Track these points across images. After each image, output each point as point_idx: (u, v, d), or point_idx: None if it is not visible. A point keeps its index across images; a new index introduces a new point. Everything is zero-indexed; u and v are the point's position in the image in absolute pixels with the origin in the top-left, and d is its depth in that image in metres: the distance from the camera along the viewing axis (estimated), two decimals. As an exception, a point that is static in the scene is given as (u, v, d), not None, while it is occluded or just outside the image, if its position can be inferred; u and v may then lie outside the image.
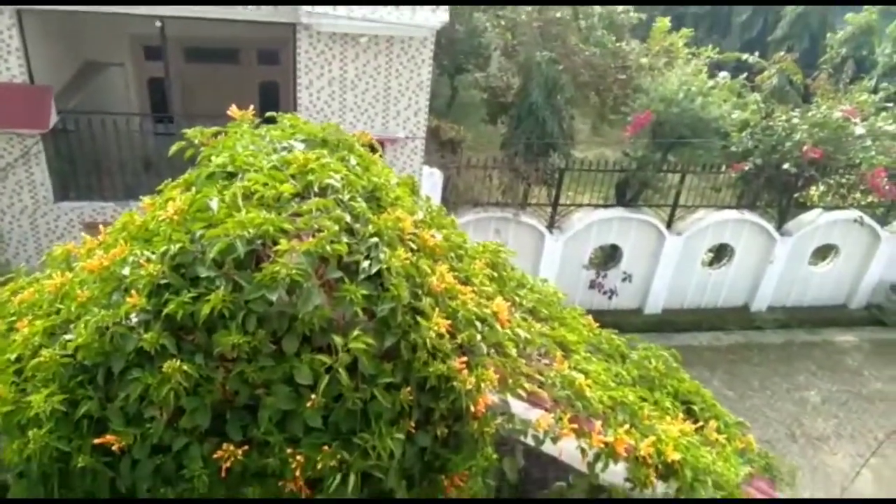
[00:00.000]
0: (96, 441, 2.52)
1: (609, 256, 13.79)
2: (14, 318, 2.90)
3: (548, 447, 3.31)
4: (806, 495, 9.50)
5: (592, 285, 13.17)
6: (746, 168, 13.07)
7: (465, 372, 2.80)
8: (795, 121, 13.11)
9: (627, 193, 13.34)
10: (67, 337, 2.61)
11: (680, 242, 13.11)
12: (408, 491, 2.94)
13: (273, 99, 12.10)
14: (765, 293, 14.23)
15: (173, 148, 3.22)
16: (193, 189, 2.85)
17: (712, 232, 13.38)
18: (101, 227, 3.39)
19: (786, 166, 12.67)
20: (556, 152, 12.40)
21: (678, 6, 27.28)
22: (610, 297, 13.38)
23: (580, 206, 12.71)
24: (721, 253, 14.23)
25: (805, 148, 12.44)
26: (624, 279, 13.38)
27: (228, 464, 2.63)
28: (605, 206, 12.87)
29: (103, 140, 9.71)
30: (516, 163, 12.06)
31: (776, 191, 13.56)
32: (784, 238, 13.63)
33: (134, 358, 2.54)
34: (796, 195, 13.74)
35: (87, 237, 3.03)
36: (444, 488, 3.00)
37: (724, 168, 13.26)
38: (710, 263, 14.35)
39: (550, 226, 12.46)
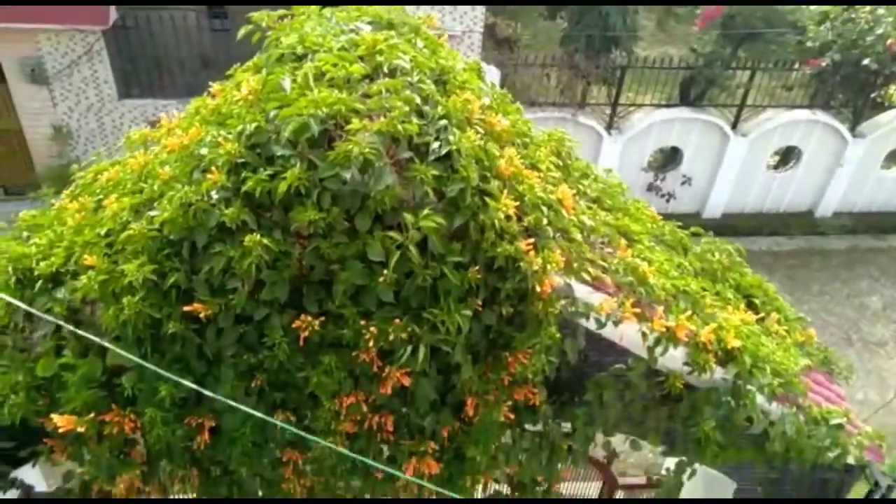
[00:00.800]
0: (185, 309, 2.70)
1: (669, 159, 13.40)
2: (101, 196, 3.06)
3: (608, 331, 3.39)
4: (860, 397, 9.51)
5: (650, 188, 12.89)
6: (823, 64, 12.28)
7: (532, 253, 2.85)
8: (881, 12, 12.15)
9: (692, 92, 12.77)
10: (153, 213, 2.75)
11: (745, 144, 12.62)
12: (473, 365, 3.08)
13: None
14: (831, 198, 13.70)
15: (241, 31, 3.23)
16: (264, 72, 2.88)
17: (780, 133, 12.80)
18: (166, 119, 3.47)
19: (866, 62, 11.86)
20: (618, 49, 11.86)
21: None
22: (668, 201, 13.11)
23: (641, 105, 12.27)
24: (788, 156, 13.67)
25: (889, 42, 11.58)
26: (683, 182, 13.04)
27: (306, 333, 2.80)
28: (668, 106, 12.39)
29: (162, 37, 9.74)
30: (575, 60, 11.59)
31: (852, 89, 12.77)
32: (857, 140, 12.96)
33: (216, 233, 2.67)
34: (874, 95, 12.93)
35: (165, 120, 3.12)
36: (507, 364, 3.13)
37: (797, 65, 12.50)
38: (776, 167, 13.83)
39: (609, 126, 12.11)
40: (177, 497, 3.62)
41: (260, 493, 3.55)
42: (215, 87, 3.35)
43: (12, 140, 10.01)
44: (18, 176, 10.31)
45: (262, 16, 3.21)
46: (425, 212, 2.60)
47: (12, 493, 3.57)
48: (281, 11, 3.27)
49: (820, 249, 13.19)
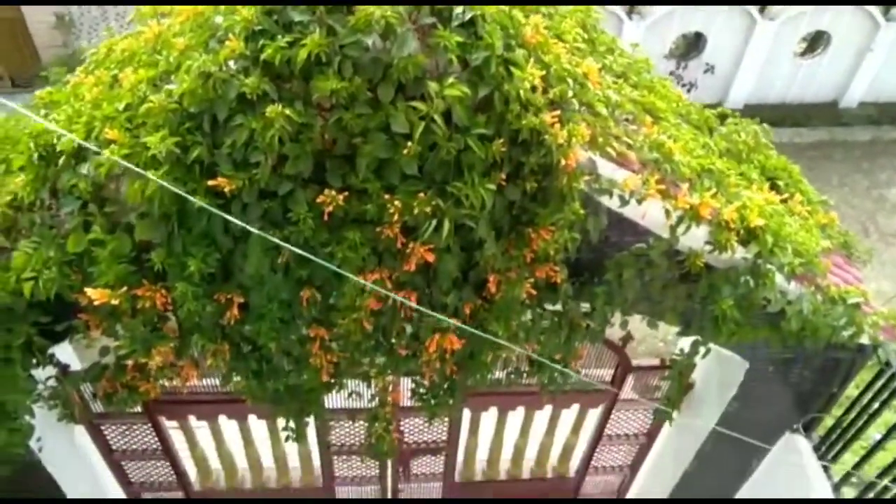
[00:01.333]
0: (210, 183, 2.69)
1: (691, 45, 12.92)
2: (115, 71, 2.99)
3: (630, 209, 3.37)
4: (873, 287, 9.57)
5: (671, 76, 12.51)
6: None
7: (557, 126, 2.79)
8: None
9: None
10: (170, 86, 2.69)
11: (772, 29, 12.10)
12: (496, 241, 3.09)
13: None
14: (858, 87, 13.26)
15: None
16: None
17: (810, 17, 12.23)
18: None
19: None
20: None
21: None
22: (689, 90, 12.75)
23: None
24: (816, 42, 13.12)
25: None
26: (706, 70, 12.64)
27: (331, 208, 2.79)
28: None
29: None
30: (598, -63, 10.98)
31: (890, -31, 12.08)
32: (890, 23, 12.38)
33: (236, 105, 2.62)
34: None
35: (176, -13, 2.99)
36: (529, 241, 3.14)
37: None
38: (802, 54, 13.30)
39: (630, 11, 11.61)
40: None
41: (286, 368, 3.67)
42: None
43: (15, 29, 9.77)
44: (24, 67, 10.13)
45: None
46: (450, 80, 2.53)
47: (49, 371, 3.72)
48: None
49: (842, 141, 12.92)
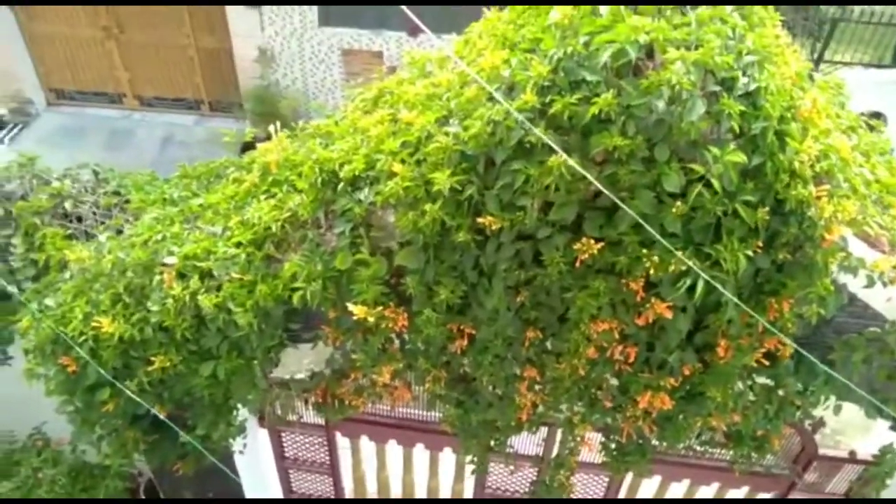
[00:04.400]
0: (479, 220, 2.89)
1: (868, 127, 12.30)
2: (392, 110, 3.29)
3: (870, 292, 3.27)
4: None
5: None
6: None
7: (825, 200, 2.78)
8: None
9: (909, 52, 11.55)
10: (452, 129, 2.93)
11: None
12: (735, 307, 3.09)
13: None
14: None
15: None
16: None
17: None
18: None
19: None
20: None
21: None
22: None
23: (849, 64, 11.26)
24: None
25: None
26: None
27: (584, 256, 2.91)
28: (880, 67, 11.29)
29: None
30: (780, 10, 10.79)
31: None
32: None
33: (513, 152, 2.81)
34: None
35: (458, 42, 3.27)
36: (769, 310, 3.10)
37: None
38: None
39: (807, 83, 11.27)
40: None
41: (490, 402, 3.79)
42: (489, 15, 3.44)
43: (222, 59, 10.84)
44: (225, 93, 11.18)
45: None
46: (731, 147, 2.60)
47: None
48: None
49: None
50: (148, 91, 11.69)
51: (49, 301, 3.81)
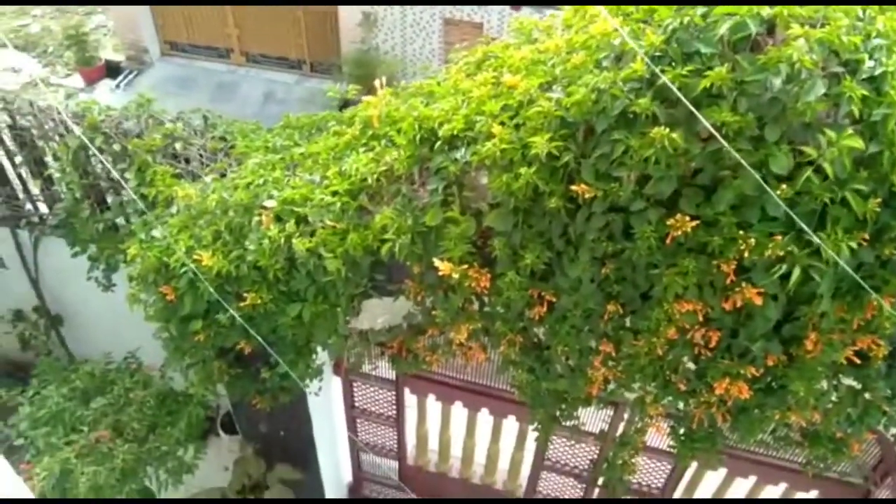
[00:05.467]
0: (573, 188, 2.89)
1: None
2: (496, 74, 3.31)
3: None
4: None
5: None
6: None
7: (944, 197, 2.64)
8: None
9: None
10: (555, 94, 2.93)
11: None
12: (831, 300, 2.98)
13: None
14: None
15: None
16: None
17: None
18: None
19: None
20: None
21: None
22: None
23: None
24: None
25: None
26: None
27: (678, 233, 2.87)
28: None
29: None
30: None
31: None
32: None
33: (615, 122, 2.79)
34: None
35: (568, 10, 3.25)
36: (866, 307, 2.98)
37: None
38: None
39: None
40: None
41: (561, 372, 3.81)
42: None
43: (328, 22, 11.09)
44: (326, 55, 11.46)
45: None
46: (849, 132, 2.49)
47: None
48: None
49: None
50: (254, 48, 12.11)
51: (156, 233, 4.07)
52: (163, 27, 12.05)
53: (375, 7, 10.56)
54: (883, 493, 4.99)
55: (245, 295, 3.65)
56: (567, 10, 3.54)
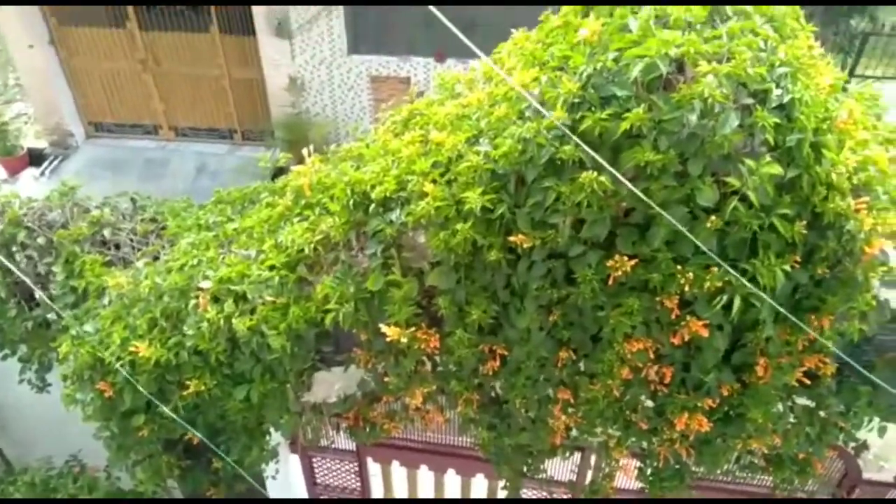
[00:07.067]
0: (510, 239, 2.88)
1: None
2: (423, 132, 3.31)
3: (907, 308, 3.17)
4: None
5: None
6: None
7: (864, 212, 2.72)
8: None
9: (945, 64, 11.33)
10: (483, 148, 2.94)
11: None
12: (773, 325, 3.01)
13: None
14: None
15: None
16: (592, 16, 2.93)
17: None
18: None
19: None
20: (862, 14, 10.76)
21: None
22: None
23: (881, 79, 11.08)
24: None
25: None
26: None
27: (618, 274, 2.87)
28: (914, 79, 11.09)
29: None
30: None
31: None
32: None
33: (544, 170, 2.80)
34: None
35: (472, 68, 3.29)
36: (809, 328, 3.03)
37: None
38: None
39: (839, 99, 11.11)
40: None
41: (523, 425, 3.74)
42: (519, 33, 3.46)
43: (255, 89, 11.07)
44: (256, 122, 11.40)
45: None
46: (767, 159, 2.56)
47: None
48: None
49: None
50: (183, 121, 11.96)
51: (88, 327, 3.88)
52: (85, 108, 11.82)
53: (301, 71, 10.61)
54: (851, 505, 5.02)
55: (187, 383, 3.49)
56: (485, 63, 3.59)
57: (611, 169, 2.56)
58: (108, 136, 12.24)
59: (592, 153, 2.50)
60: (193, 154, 11.79)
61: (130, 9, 10.60)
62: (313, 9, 10.02)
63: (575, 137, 2.58)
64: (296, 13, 10.09)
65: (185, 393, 3.50)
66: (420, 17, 10.78)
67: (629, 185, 2.58)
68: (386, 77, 10.80)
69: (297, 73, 10.71)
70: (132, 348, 3.50)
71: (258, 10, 10.13)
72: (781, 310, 2.75)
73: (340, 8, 9.98)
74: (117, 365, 3.55)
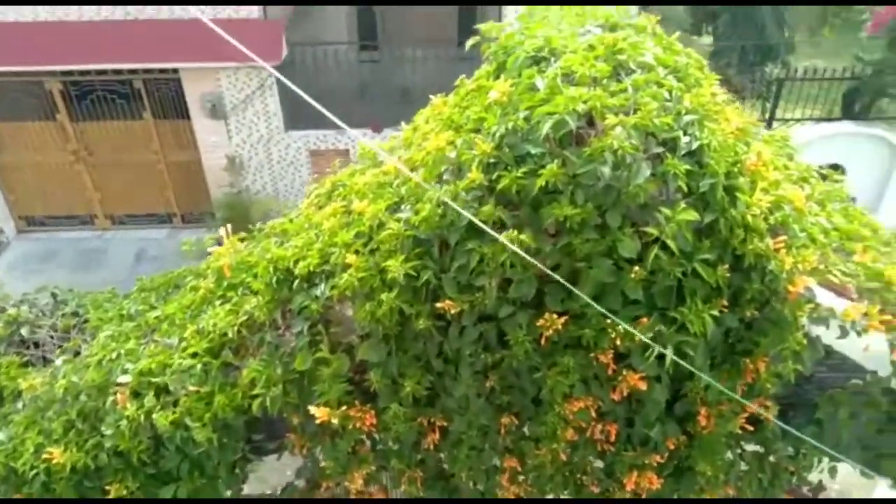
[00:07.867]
0: (438, 305, 2.79)
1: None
2: (345, 202, 3.25)
3: (846, 343, 3.16)
4: None
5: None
6: None
7: (783, 252, 2.73)
8: None
9: (857, 105, 11.97)
10: (403, 214, 2.89)
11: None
12: (710, 370, 2.97)
13: (469, 19, 12.08)
14: None
15: (470, 42, 3.36)
16: (502, 78, 2.96)
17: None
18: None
19: None
20: (776, 61, 11.38)
21: None
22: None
23: (800, 121, 11.64)
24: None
25: None
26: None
27: (549, 332, 2.81)
28: (830, 121, 11.67)
29: (325, 70, 10.35)
30: (728, 74, 11.24)
31: None
32: None
33: (466, 232, 2.75)
34: None
35: (406, 130, 3.28)
36: (745, 371, 2.99)
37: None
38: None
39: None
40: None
41: (473, 497, 3.57)
42: (437, 99, 3.48)
43: (192, 171, 10.95)
44: (196, 204, 11.24)
45: (491, 27, 3.33)
46: (682, 206, 2.56)
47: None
48: (506, 23, 3.37)
49: None
50: (119, 209, 11.72)
51: (0, 435, 3.60)
52: (16, 204, 11.48)
53: (239, 150, 10.57)
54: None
55: (107, 488, 3.23)
56: (405, 129, 3.59)
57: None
58: (42, 229, 11.88)
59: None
60: (132, 241, 11.51)
61: (60, 101, 10.47)
62: (247, 89, 10.08)
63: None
64: (229, 94, 10.13)
65: (106, 499, 3.24)
66: (355, 90, 10.96)
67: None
68: (325, 150, 10.85)
69: (235, 153, 10.66)
70: (46, 455, 3.24)
71: (191, 94, 10.13)
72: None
73: (275, 86, 10.06)
74: (31, 474, 3.27)
